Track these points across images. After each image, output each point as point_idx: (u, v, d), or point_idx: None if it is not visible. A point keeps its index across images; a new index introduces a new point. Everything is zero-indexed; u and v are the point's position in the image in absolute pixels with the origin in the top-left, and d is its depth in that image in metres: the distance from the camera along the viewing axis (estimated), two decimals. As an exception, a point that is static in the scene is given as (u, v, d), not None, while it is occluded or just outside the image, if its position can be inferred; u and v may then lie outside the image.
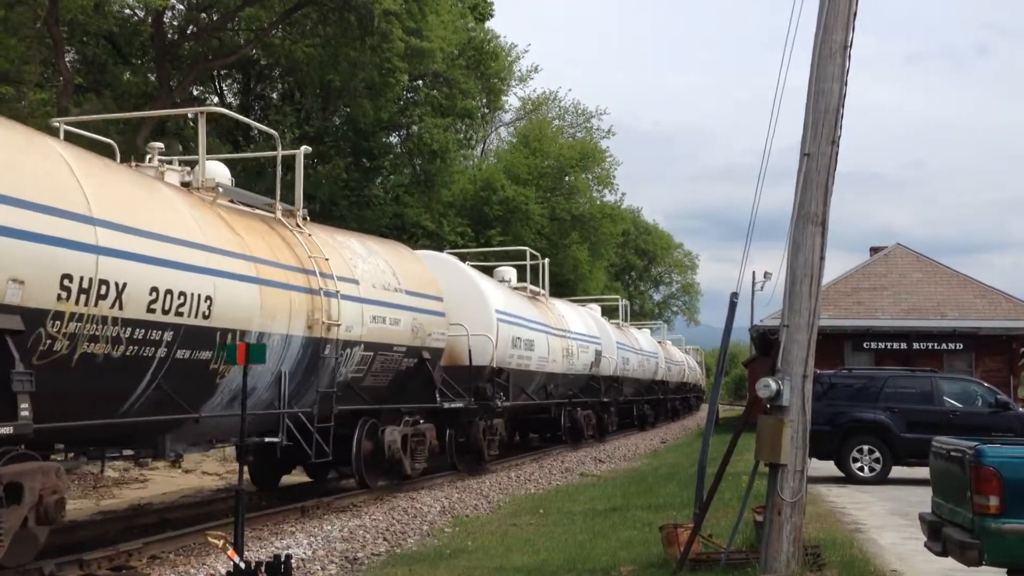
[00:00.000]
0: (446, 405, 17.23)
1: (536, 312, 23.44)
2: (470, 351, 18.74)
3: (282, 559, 8.17)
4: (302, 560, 10.12)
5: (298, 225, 13.66)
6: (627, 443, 30.94)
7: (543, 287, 26.13)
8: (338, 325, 13.16)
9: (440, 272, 18.26)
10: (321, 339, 12.86)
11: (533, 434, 28.69)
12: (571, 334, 26.04)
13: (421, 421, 16.44)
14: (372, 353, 14.44)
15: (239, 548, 8.13)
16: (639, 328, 44.22)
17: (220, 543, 8.11)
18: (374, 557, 10.72)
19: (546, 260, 26.89)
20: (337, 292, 13.25)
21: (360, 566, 10.22)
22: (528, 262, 25.49)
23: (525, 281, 25.10)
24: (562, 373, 24.89)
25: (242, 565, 7.86)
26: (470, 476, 18.80)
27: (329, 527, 12.21)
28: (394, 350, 15.14)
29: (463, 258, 24.09)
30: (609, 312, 37.60)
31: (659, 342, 46.58)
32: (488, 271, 25.00)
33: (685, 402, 57.52)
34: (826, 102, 8.24)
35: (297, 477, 17.18)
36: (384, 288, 15.03)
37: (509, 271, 24.11)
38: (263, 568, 8.01)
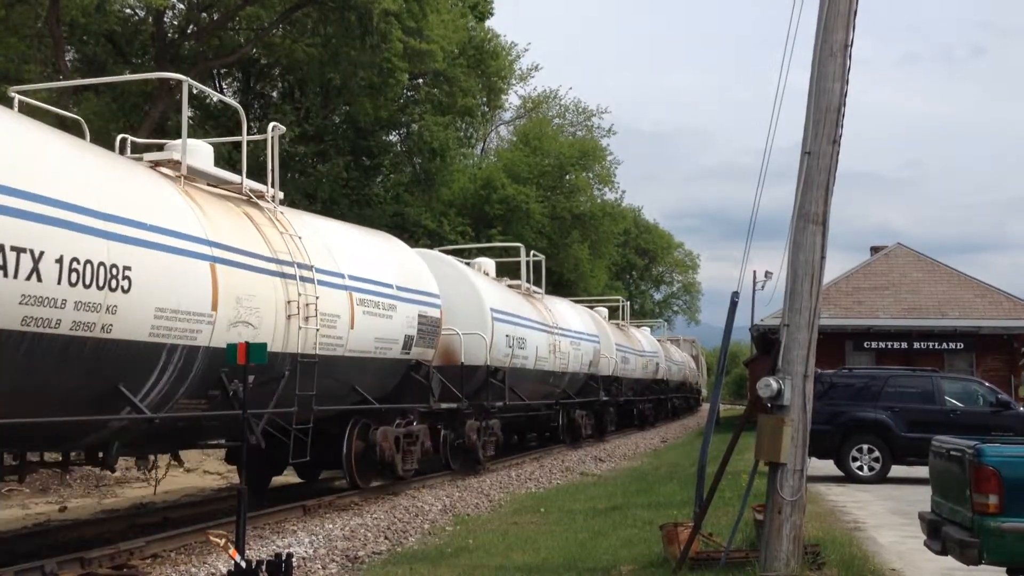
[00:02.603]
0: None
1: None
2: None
3: (283, 558, 8.18)
4: (303, 559, 10.13)
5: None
6: (627, 442, 30.95)
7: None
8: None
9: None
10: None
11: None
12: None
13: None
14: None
15: (240, 547, 8.14)
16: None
17: (221, 542, 8.12)
18: (375, 556, 10.74)
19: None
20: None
21: (361, 565, 10.24)
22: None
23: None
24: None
25: (243, 564, 7.87)
26: (466, 477, 18.52)
27: (330, 526, 12.22)
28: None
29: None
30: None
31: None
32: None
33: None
34: (827, 101, 8.25)
35: (289, 478, 17.02)
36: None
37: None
38: (264, 567, 8.03)
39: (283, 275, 11.69)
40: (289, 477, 16.99)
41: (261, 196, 12.55)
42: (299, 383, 11.92)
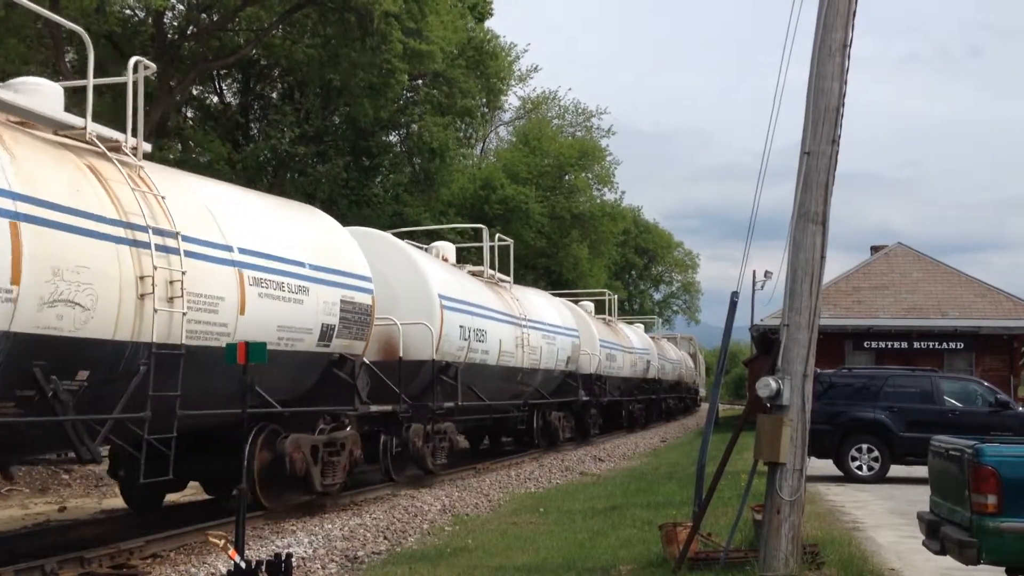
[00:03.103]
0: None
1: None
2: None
3: (283, 558, 8.18)
4: (303, 559, 10.13)
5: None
6: (621, 444, 30.93)
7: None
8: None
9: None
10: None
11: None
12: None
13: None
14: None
15: (240, 547, 8.15)
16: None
17: (221, 542, 8.12)
18: (374, 556, 10.74)
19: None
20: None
21: (361, 565, 10.24)
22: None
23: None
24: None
25: (243, 564, 7.87)
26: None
27: (330, 526, 12.22)
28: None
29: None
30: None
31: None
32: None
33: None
34: (826, 101, 8.26)
35: (195, 494, 14.80)
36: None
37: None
38: (264, 567, 8.03)
39: (134, 243, 9.29)
40: (196, 493, 14.75)
41: (117, 147, 10.09)
42: (154, 382, 9.44)
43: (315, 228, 13.54)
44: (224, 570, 8.89)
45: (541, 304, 24.36)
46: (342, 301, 13.04)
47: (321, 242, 13.22)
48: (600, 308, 35.69)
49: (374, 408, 14.53)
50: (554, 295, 29.02)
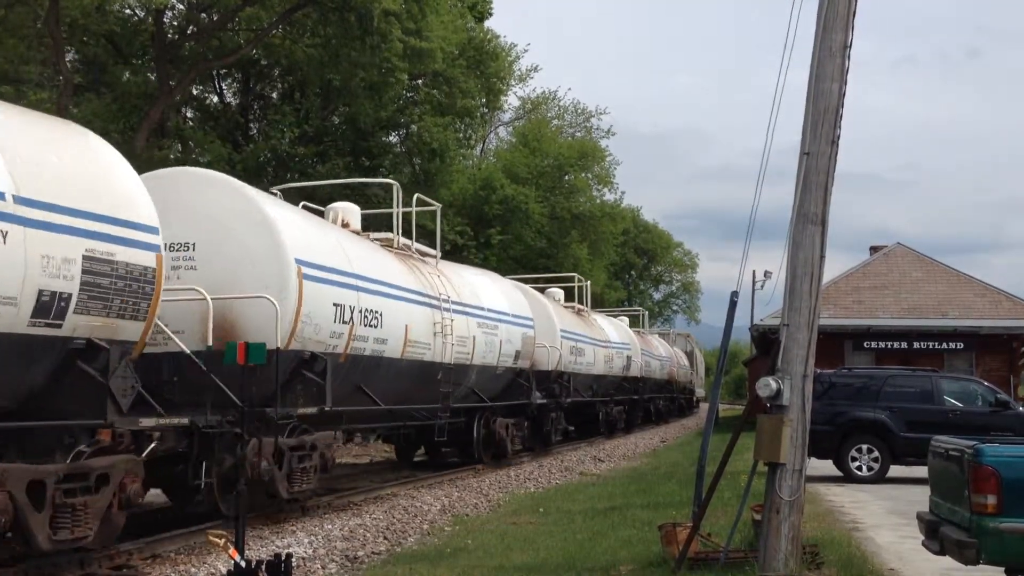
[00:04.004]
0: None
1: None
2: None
3: (283, 558, 8.19)
4: (303, 559, 10.14)
5: None
6: (626, 442, 30.94)
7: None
8: None
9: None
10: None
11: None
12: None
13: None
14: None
15: (240, 547, 8.15)
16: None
17: (221, 542, 8.12)
18: (374, 556, 10.75)
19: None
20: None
21: (360, 565, 10.25)
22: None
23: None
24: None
25: (243, 564, 7.88)
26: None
27: (330, 526, 12.23)
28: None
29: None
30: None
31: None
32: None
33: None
34: (826, 102, 8.26)
35: None
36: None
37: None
38: (264, 567, 8.03)
39: None
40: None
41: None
42: None
43: (53, 146, 8.97)
44: (224, 570, 8.89)
45: (480, 285, 19.68)
46: (88, 257, 8.63)
47: (56, 168, 8.72)
48: (581, 300, 30.84)
49: (145, 423, 9.77)
50: (514, 279, 25.40)
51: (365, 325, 13.73)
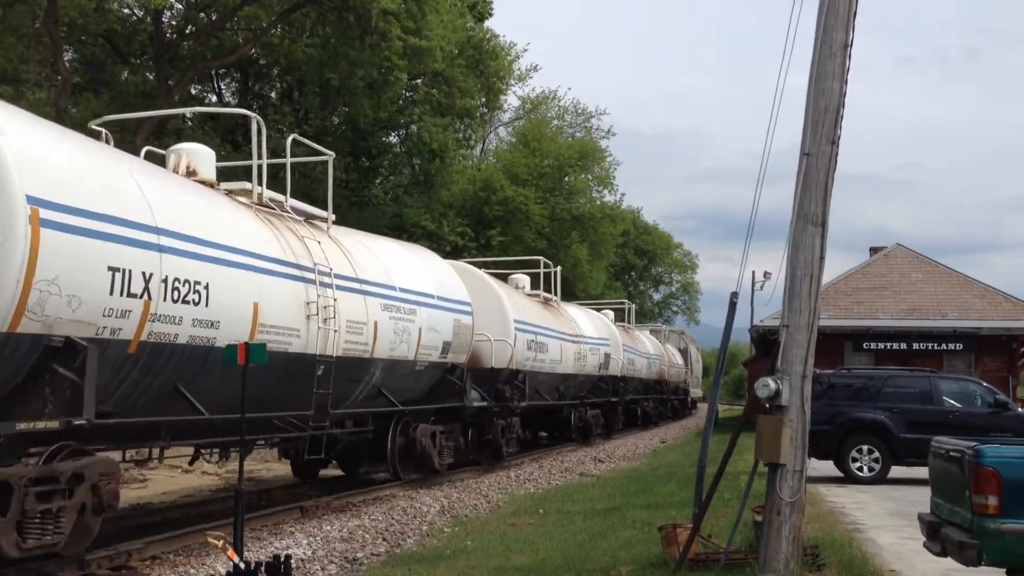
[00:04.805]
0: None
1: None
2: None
3: (282, 559, 8.17)
4: (302, 560, 10.12)
5: None
6: (627, 443, 30.92)
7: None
8: None
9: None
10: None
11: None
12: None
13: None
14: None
15: (239, 548, 8.13)
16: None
17: (220, 543, 8.11)
18: (373, 557, 10.73)
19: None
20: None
21: (360, 566, 10.23)
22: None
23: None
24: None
25: (242, 565, 7.86)
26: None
27: (328, 527, 12.21)
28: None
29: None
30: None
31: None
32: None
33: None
34: (826, 101, 8.24)
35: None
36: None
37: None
38: (263, 568, 8.02)
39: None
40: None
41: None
42: None
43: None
44: (223, 571, 8.87)
45: (397, 260, 16.18)
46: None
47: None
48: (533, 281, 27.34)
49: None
50: (468, 262, 23.59)
51: (177, 301, 9.90)
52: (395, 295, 14.98)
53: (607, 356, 29.73)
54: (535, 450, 25.34)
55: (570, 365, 25.52)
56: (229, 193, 12.34)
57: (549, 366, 23.53)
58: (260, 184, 12.73)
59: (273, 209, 12.97)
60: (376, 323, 14.13)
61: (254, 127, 13.04)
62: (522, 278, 25.13)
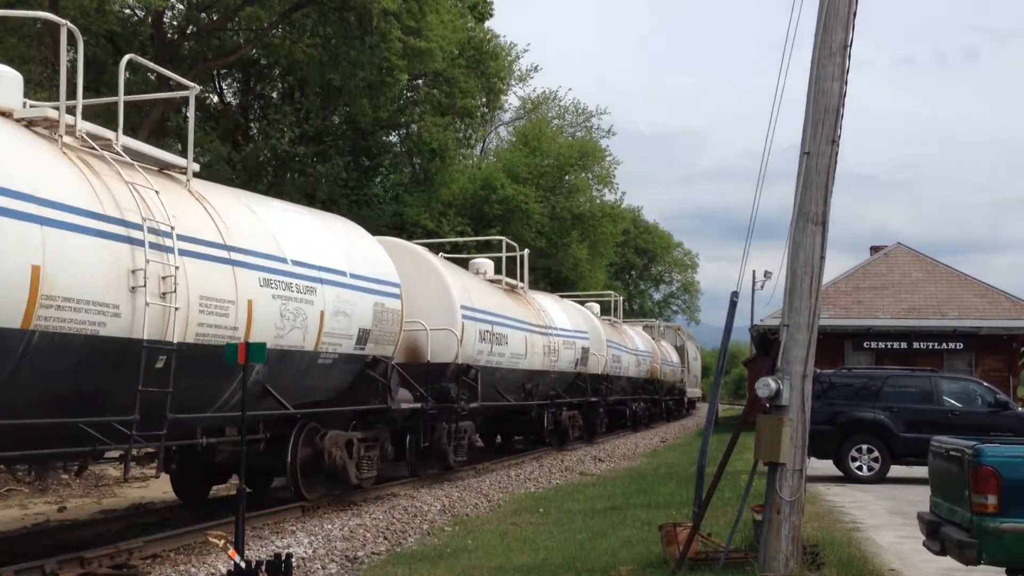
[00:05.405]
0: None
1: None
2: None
3: (283, 558, 8.19)
4: (303, 559, 10.14)
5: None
6: (626, 442, 30.93)
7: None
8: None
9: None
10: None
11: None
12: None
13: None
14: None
15: (240, 547, 8.15)
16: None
17: (221, 542, 8.12)
18: (374, 556, 10.75)
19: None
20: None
21: (360, 565, 10.24)
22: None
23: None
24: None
25: (243, 564, 7.87)
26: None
27: (329, 526, 12.23)
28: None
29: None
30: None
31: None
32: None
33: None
34: (826, 101, 8.26)
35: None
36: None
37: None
38: (264, 567, 8.03)
39: None
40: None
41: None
42: None
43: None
44: (224, 570, 8.89)
45: (294, 227, 13.08)
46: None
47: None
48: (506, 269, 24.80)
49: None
50: (419, 243, 20.49)
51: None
52: (283, 268, 11.88)
53: (585, 351, 26.52)
54: (505, 456, 22.88)
55: (538, 360, 22.45)
56: (28, 124, 9.47)
57: (510, 361, 20.36)
58: (74, 114, 9.95)
59: (94, 149, 9.95)
60: (251, 302, 11.01)
61: (63, 35, 10.46)
62: (485, 263, 21.98)
